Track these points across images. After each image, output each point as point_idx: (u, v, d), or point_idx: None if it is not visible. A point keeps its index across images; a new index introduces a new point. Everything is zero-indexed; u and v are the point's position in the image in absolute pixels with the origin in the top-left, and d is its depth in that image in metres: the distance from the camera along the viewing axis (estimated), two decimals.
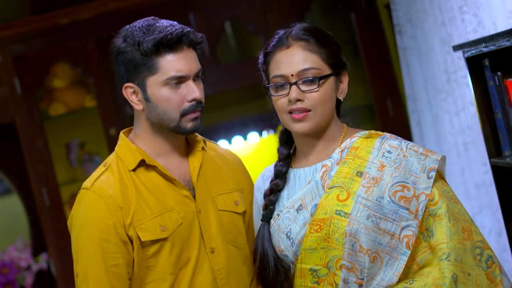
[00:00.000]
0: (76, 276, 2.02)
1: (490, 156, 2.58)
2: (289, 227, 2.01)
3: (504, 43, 2.29)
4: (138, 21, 2.06)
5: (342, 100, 2.03)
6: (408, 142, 1.99)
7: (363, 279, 1.92)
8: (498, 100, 2.47)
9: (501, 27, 2.79)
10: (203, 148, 2.16)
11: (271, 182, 2.09)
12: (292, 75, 1.98)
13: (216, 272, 2.07)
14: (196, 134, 2.17)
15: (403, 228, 1.91)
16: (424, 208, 1.91)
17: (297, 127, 2.00)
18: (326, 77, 1.98)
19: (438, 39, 3.55)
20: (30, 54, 4.47)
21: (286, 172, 2.08)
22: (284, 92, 1.99)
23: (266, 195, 2.08)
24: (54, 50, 4.49)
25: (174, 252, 2.03)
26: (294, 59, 1.98)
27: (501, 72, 2.44)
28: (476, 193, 3.45)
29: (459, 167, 3.59)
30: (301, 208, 2.00)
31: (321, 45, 1.99)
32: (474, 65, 2.55)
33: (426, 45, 3.73)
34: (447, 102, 3.59)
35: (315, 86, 1.97)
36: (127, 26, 2.06)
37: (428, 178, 1.93)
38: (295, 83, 1.97)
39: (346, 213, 1.92)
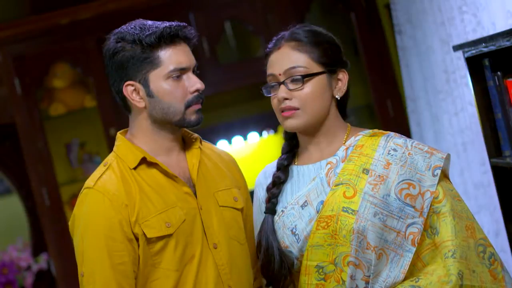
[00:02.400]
0: (81, 276, 2.01)
1: (490, 156, 2.58)
2: (294, 223, 2.03)
3: (504, 43, 2.29)
4: (126, 24, 2.10)
5: (339, 98, 2.04)
6: (413, 140, 2.02)
7: (369, 276, 1.93)
8: (498, 100, 2.47)
9: (500, 27, 2.79)
10: (199, 147, 2.18)
11: (273, 175, 2.11)
12: (280, 74, 2.02)
13: (220, 267, 2.08)
14: (192, 132, 2.19)
15: (408, 226, 1.93)
16: (429, 205, 1.94)
17: (286, 124, 2.04)
18: (312, 75, 2.00)
19: (438, 39, 3.55)
20: (30, 54, 4.47)
21: (288, 165, 2.10)
22: (276, 91, 2.04)
23: (269, 189, 2.11)
24: (54, 50, 4.49)
25: (178, 249, 2.04)
26: (283, 58, 2.03)
27: (501, 72, 2.44)
28: (474, 193, 3.46)
29: (458, 167, 3.59)
30: (306, 204, 2.02)
31: (311, 44, 2.02)
32: (474, 65, 2.55)
33: (426, 45, 3.73)
34: (446, 102, 3.59)
35: (300, 85, 2.00)
36: (116, 30, 2.09)
37: (434, 176, 1.95)
38: (283, 82, 2.01)
39: (353, 210, 1.94)
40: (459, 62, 3.35)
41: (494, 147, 2.57)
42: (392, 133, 2.04)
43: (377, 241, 1.92)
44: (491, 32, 2.80)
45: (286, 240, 2.03)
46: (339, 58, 2.05)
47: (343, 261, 1.95)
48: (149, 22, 2.08)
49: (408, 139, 2.01)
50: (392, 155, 1.98)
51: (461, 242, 1.92)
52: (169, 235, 2.02)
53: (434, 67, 3.67)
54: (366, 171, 1.98)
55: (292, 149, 2.12)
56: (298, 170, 2.09)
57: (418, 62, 3.90)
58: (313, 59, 2.01)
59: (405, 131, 4.21)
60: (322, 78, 2.01)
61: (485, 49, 2.41)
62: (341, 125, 2.07)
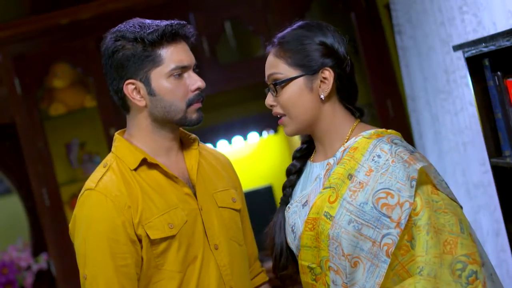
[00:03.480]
0: (84, 278, 1.99)
1: (490, 156, 2.58)
2: (294, 221, 2.02)
3: (504, 43, 2.29)
4: (123, 23, 2.08)
5: (323, 98, 1.97)
6: (399, 146, 1.93)
7: (347, 283, 1.90)
8: (498, 100, 2.46)
9: (501, 27, 2.79)
10: (197, 148, 2.17)
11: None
12: (267, 80, 2.01)
13: (222, 268, 2.08)
14: (189, 133, 2.19)
15: (383, 236, 1.86)
16: (407, 217, 1.85)
17: (284, 131, 2.04)
18: (284, 82, 1.97)
19: (438, 39, 3.55)
20: (30, 54, 4.47)
21: (302, 157, 2.09)
22: None
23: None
24: (54, 50, 4.49)
25: (181, 250, 2.03)
26: (267, 64, 2.02)
27: (501, 72, 2.43)
28: (474, 193, 3.46)
29: (458, 167, 3.59)
30: (306, 204, 2.00)
31: (286, 49, 1.98)
32: (474, 65, 2.54)
33: (426, 45, 3.73)
34: (447, 102, 3.59)
35: (278, 92, 1.98)
36: (113, 29, 2.08)
37: (411, 186, 1.87)
38: (269, 89, 2.01)
39: (331, 216, 1.91)
40: (459, 62, 3.34)
41: (494, 147, 2.56)
42: (384, 137, 1.96)
43: (351, 249, 1.87)
44: (492, 32, 2.80)
45: (288, 237, 2.03)
46: (323, 57, 1.97)
47: (325, 265, 1.93)
48: (148, 21, 2.07)
49: (394, 146, 1.93)
50: (375, 162, 1.91)
51: (431, 259, 1.83)
52: (172, 236, 2.02)
53: (434, 67, 3.67)
54: (350, 176, 1.93)
55: (308, 141, 2.10)
56: (310, 168, 2.07)
57: (418, 62, 3.90)
58: (289, 64, 1.97)
59: (405, 131, 4.21)
60: (298, 81, 1.97)
61: (485, 49, 2.40)
62: (343, 124, 2.01)
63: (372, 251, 1.86)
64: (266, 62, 2.02)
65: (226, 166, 2.27)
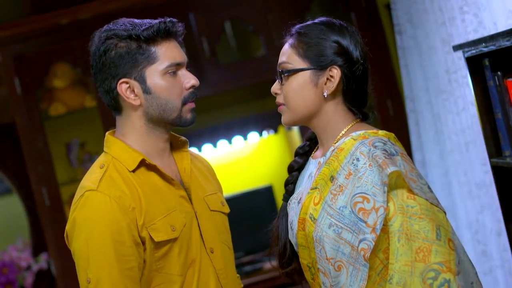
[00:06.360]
0: (87, 282, 1.93)
1: (490, 156, 2.58)
2: (292, 218, 2.00)
3: (504, 43, 2.29)
4: (111, 23, 2.06)
5: (326, 96, 1.95)
6: (377, 150, 1.88)
7: (334, 286, 1.88)
8: (498, 100, 2.46)
9: (501, 27, 2.79)
10: (188, 150, 2.15)
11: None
12: (278, 69, 2.00)
13: (218, 272, 2.06)
14: (179, 135, 2.16)
15: (360, 241, 1.83)
16: (382, 222, 1.81)
17: (282, 120, 2.03)
18: (290, 71, 1.95)
19: (438, 39, 3.55)
20: (30, 54, 4.47)
21: (305, 154, 2.07)
22: None
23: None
24: (54, 50, 4.49)
25: (182, 253, 2.00)
26: (280, 53, 2.01)
27: (501, 72, 2.43)
28: (477, 193, 3.46)
29: (460, 167, 3.59)
30: (300, 201, 1.98)
31: (301, 41, 1.97)
32: (474, 65, 2.54)
33: (426, 45, 3.73)
34: (449, 102, 3.59)
35: (283, 80, 1.97)
36: (102, 29, 2.06)
37: (384, 192, 1.83)
38: (277, 77, 2.00)
39: (314, 219, 1.89)
40: (460, 62, 3.35)
41: (494, 147, 2.57)
42: (368, 140, 1.90)
43: (333, 253, 1.86)
44: (492, 32, 2.80)
45: (289, 233, 2.02)
46: (335, 55, 1.96)
47: (315, 266, 1.92)
48: (137, 20, 2.05)
49: (373, 149, 1.88)
50: (354, 165, 1.87)
51: (401, 267, 1.79)
52: (175, 239, 1.98)
53: (435, 67, 3.67)
54: (332, 178, 1.90)
55: (312, 138, 2.07)
56: (308, 164, 2.05)
57: (418, 62, 3.90)
58: (300, 55, 1.96)
59: (405, 131, 4.21)
60: (304, 74, 1.95)
61: (485, 49, 2.40)
62: (340, 123, 1.98)
63: (352, 255, 1.84)
64: (281, 50, 2.01)
65: (211, 170, 2.25)
